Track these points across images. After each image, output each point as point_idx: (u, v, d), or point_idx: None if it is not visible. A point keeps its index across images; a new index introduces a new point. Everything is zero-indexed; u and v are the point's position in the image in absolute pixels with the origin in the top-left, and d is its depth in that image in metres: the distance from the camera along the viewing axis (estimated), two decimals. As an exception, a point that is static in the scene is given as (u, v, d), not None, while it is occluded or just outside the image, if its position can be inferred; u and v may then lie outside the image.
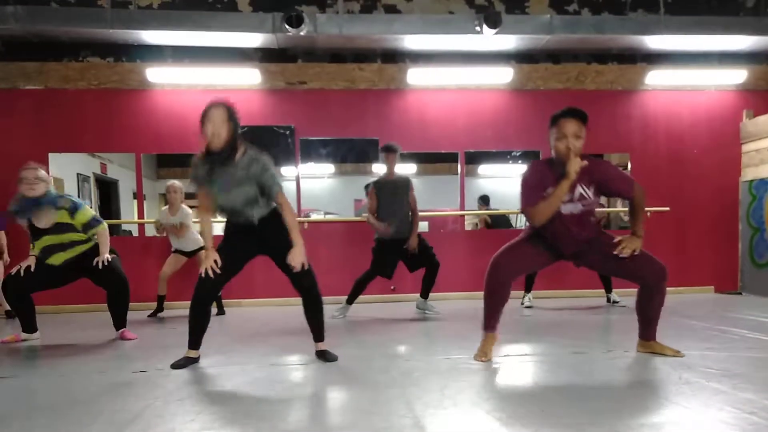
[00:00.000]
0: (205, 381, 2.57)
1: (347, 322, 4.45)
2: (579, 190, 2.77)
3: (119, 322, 3.95)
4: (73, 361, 3.15)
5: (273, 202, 2.91)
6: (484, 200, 6.94)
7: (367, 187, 6.62)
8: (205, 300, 2.93)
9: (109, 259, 3.81)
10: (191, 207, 5.19)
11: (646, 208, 6.26)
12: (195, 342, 2.98)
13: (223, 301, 5.44)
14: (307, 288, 2.92)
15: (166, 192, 5.20)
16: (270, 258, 2.96)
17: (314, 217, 6.62)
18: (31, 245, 3.83)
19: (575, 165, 2.65)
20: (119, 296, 3.92)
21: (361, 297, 4.84)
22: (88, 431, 1.87)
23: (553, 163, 2.81)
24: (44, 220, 3.74)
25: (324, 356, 2.98)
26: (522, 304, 5.26)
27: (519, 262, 2.98)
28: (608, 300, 5.40)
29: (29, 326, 3.90)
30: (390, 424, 1.87)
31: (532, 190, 2.81)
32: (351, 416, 1.98)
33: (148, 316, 5.19)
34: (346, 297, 4.79)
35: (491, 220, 6.78)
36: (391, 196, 4.78)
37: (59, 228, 3.74)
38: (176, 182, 5.22)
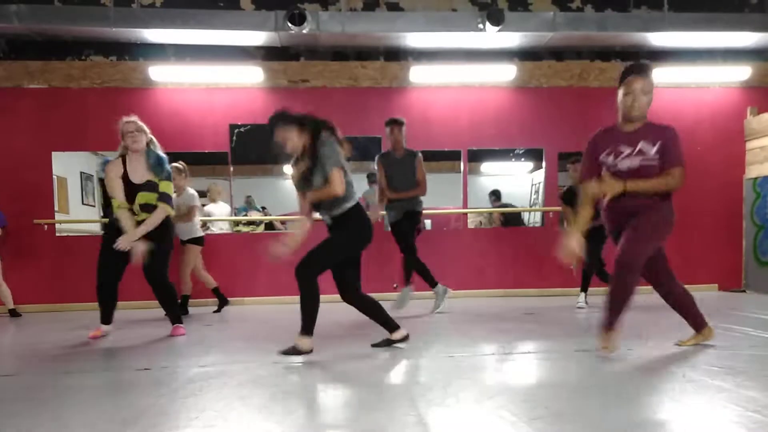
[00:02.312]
0: (209, 379, 2.58)
1: (350, 321, 4.44)
2: (640, 145, 2.71)
3: (170, 318, 3.99)
4: (78, 359, 3.16)
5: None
6: (496, 195, 6.84)
7: (369, 176, 6.61)
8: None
9: (126, 248, 3.66)
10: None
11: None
12: (311, 326, 2.97)
13: (227, 299, 5.45)
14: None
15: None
16: None
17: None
18: (115, 205, 3.73)
19: (598, 188, 2.63)
20: (158, 295, 3.93)
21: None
22: (93, 428, 1.87)
23: (618, 124, 2.81)
24: (139, 175, 3.72)
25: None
26: (578, 305, 4.98)
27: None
28: (582, 301, 5.07)
29: (108, 317, 3.89)
30: (394, 421, 1.87)
31: (588, 163, 2.81)
32: (355, 413, 1.99)
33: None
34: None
35: (504, 218, 6.73)
36: (397, 173, 4.65)
37: (150, 186, 3.74)
38: (180, 163, 5.18)
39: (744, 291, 6.25)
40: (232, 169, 6.11)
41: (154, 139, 3.90)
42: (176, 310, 4.01)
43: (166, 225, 3.85)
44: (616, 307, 2.76)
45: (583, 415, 1.88)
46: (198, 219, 5.25)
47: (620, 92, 2.75)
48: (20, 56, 5.88)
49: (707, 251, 6.40)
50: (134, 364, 2.94)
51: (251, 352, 3.22)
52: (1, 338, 4.23)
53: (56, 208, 6.04)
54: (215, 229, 6.39)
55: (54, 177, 5.99)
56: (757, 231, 6.17)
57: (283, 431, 1.79)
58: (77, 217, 6.53)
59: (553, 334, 3.58)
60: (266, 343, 3.48)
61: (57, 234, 5.99)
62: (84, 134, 5.93)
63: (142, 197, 3.72)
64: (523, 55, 6.25)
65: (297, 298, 2.97)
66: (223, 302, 5.36)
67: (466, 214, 6.50)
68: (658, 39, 5.92)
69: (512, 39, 5.88)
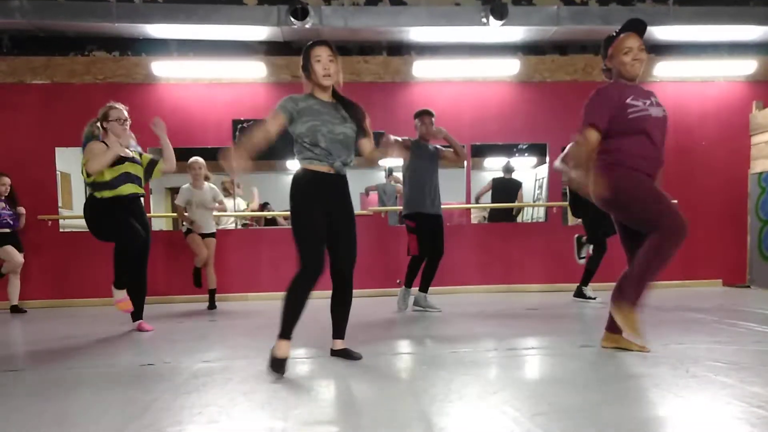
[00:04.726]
0: (212, 374, 2.58)
1: (352, 318, 4.43)
2: (653, 98, 2.65)
3: (135, 312, 4.02)
4: (82, 355, 3.18)
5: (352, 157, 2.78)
6: (508, 169, 6.85)
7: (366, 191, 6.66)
8: (314, 276, 2.57)
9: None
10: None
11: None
12: (288, 332, 2.61)
13: (227, 294, 5.46)
14: (345, 276, 2.78)
15: (190, 168, 5.24)
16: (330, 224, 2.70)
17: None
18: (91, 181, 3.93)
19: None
20: (138, 286, 3.97)
21: (366, 291, 4.82)
22: (97, 424, 1.88)
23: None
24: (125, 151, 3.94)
25: (348, 355, 2.83)
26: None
27: None
28: (580, 294, 5.02)
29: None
30: (396, 416, 1.87)
31: (604, 106, 2.60)
32: (357, 409, 1.99)
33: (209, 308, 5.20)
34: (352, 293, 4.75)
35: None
36: (427, 162, 4.67)
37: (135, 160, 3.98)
38: (199, 158, 5.28)
39: (748, 286, 6.23)
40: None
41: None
42: (140, 305, 4.04)
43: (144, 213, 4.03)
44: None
45: (585, 411, 1.87)
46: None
47: (616, 52, 2.82)
48: (23, 52, 5.88)
49: (711, 246, 6.37)
50: (138, 359, 2.95)
51: (255, 347, 3.23)
52: (6, 334, 4.26)
53: (60, 204, 6.05)
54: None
55: (57, 173, 6.00)
56: (762, 226, 6.14)
57: (286, 427, 1.79)
58: (81, 212, 6.53)
59: (557, 330, 3.58)
60: (270, 339, 3.48)
61: (61, 230, 6.01)
62: (87, 130, 5.93)
63: (126, 167, 3.91)
64: (527, 49, 6.22)
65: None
66: (212, 302, 5.28)
67: (469, 209, 6.50)
68: (663, 33, 5.88)
69: (516, 33, 5.85)
